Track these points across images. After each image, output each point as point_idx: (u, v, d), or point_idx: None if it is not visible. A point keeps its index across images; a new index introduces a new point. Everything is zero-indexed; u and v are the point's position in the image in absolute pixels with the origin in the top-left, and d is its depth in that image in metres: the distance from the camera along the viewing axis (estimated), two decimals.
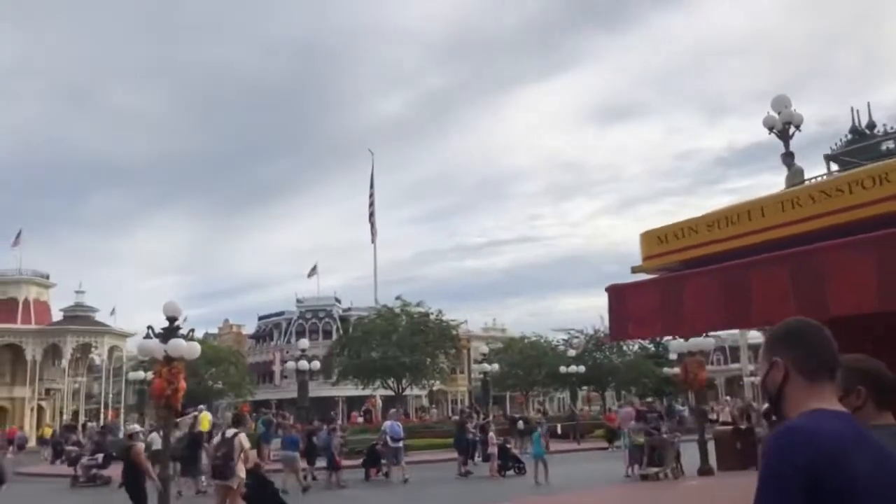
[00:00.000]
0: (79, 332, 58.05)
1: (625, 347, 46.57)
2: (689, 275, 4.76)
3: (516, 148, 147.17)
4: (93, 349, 60.07)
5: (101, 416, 53.81)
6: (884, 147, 20.15)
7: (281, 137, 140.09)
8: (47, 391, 59.54)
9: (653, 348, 50.11)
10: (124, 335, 61.28)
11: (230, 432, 12.34)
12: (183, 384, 16.37)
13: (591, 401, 57.44)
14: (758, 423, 28.43)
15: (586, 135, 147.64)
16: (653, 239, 5.68)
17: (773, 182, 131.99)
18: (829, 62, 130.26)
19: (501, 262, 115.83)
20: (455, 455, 24.75)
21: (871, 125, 21.41)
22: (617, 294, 5.17)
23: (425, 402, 63.06)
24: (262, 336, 73.28)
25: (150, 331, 16.57)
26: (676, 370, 54.73)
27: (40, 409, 58.07)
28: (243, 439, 12.11)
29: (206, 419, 23.58)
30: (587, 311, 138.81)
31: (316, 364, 32.11)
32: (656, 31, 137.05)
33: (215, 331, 77.26)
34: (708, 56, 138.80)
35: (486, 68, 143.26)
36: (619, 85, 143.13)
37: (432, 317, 38.45)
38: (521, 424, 31.01)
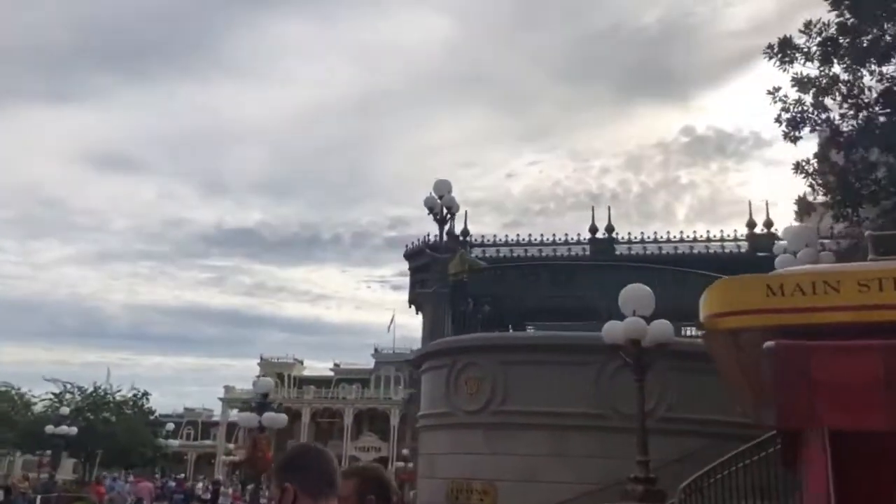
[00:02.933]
0: None
1: (126, 409, 41.28)
2: None
3: None
4: None
5: None
6: (476, 253, 21.53)
7: None
8: None
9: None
10: None
11: None
12: None
13: (41, 465, 49.12)
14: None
15: (76, 175, 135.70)
16: (752, 288, 4.34)
17: (248, 267, 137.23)
18: (322, 171, 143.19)
19: None
20: None
21: (465, 232, 22.99)
22: (800, 357, 3.64)
23: None
24: None
25: None
26: (174, 441, 51.06)
27: None
28: None
29: None
30: (32, 364, 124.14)
31: None
32: (171, 94, 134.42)
33: None
34: (213, 134, 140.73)
35: None
36: (122, 134, 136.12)
37: None
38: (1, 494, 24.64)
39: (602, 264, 19.68)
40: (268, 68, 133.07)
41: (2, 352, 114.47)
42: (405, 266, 27.95)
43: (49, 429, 34.21)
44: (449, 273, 15.29)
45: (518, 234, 22.60)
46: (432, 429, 13.59)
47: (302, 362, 75.80)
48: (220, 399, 73.33)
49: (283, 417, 20.64)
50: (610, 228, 22.61)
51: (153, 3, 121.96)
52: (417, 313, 25.92)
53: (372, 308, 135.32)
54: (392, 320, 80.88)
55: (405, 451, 55.67)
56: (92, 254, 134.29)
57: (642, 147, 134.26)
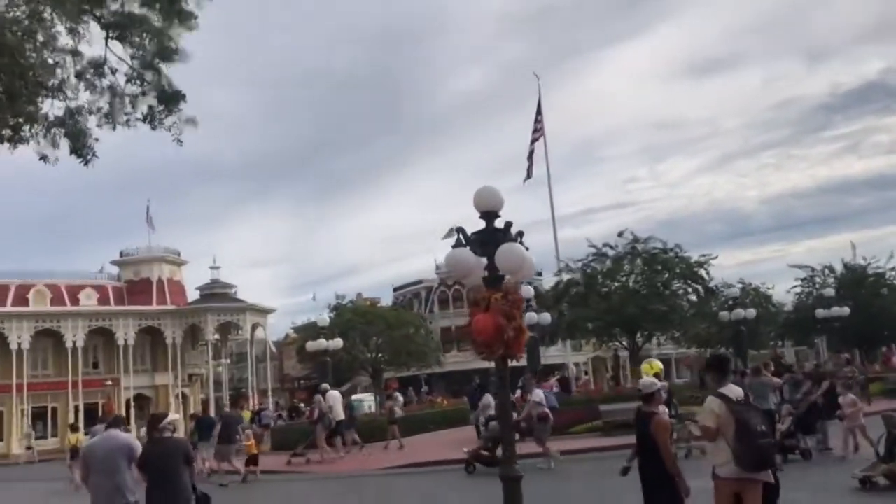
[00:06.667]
0: (219, 310, 52.51)
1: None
2: None
3: (606, 112, 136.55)
4: (238, 330, 55.23)
5: (252, 401, 47.96)
6: None
7: (361, 126, 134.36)
8: (190, 377, 55.05)
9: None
10: (266, 311, 56.20)
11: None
12: (523, 322, 9.52)
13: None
14: None
15: (679, 91, 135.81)
16: None
17: (881, 123, 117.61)
18: None
19: (597, 229, 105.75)
20: None
21: None
22: None
23: (573, 370, 54.50)
24: (400, 307, 67.70)
25: (460, 235, 9.62)
26: None
27: (184, 396, 53.50)
28: None
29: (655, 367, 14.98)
30: None
31: (546, 317, 25.15)
32: None
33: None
34: None
35: (566, 35, 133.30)
36: (710, 37, 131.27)
37: (671, 254, 30.59)
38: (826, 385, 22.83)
39: None
40: None
41: None
42: None
43: (820, 313, 32.57)
44: None
45: None
46: None
47: None
48: None
49: None
50: None
51: None
52: None
53: None
54: None
55: None
56: (714, 159, 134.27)
57: None
